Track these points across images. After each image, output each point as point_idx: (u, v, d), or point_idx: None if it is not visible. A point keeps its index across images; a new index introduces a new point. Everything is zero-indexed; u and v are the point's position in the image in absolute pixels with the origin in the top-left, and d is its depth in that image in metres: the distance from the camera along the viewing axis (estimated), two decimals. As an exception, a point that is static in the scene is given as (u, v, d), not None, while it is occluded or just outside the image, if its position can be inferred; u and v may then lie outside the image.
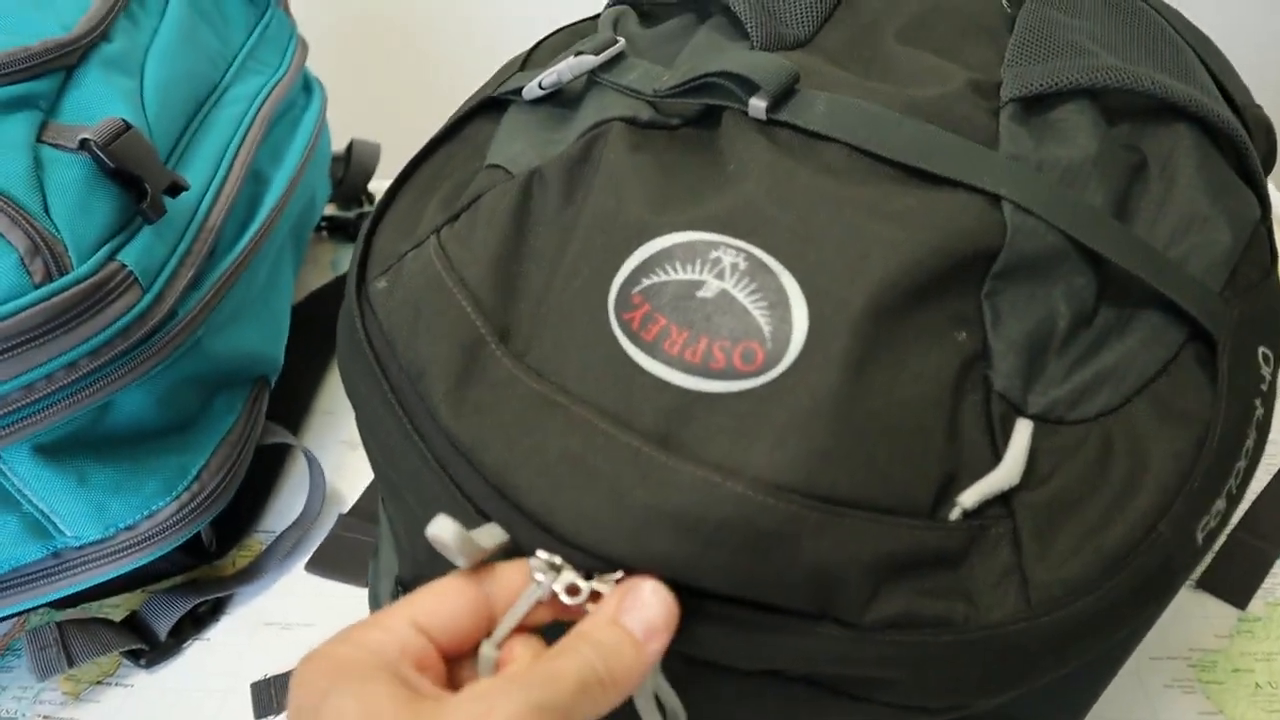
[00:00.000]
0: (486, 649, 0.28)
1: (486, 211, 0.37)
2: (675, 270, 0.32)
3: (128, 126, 0.44)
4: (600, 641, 0.27)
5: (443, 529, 0.28)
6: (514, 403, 0.32)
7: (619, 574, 0.29)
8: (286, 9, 0.68)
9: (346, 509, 0.54)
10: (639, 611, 0.28)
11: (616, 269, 0.33)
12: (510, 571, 0.29)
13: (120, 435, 0.45)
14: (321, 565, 0.51)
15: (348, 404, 0.60)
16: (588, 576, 0.29)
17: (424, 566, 0.39)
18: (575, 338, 0.33)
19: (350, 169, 0.73)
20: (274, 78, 0.61)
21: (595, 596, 0.29)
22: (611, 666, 0.27)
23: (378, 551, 0.47)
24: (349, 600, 0.49)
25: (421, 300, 0.35)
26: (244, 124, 0.56)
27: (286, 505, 0.55)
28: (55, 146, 0.43)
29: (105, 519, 0.44)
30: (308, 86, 0.67)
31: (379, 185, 0.76)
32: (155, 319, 0.43)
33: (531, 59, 0.46)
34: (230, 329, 0.50)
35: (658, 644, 0.28)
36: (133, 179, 0.44)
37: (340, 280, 0.67)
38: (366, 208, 0.75)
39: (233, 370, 0.51)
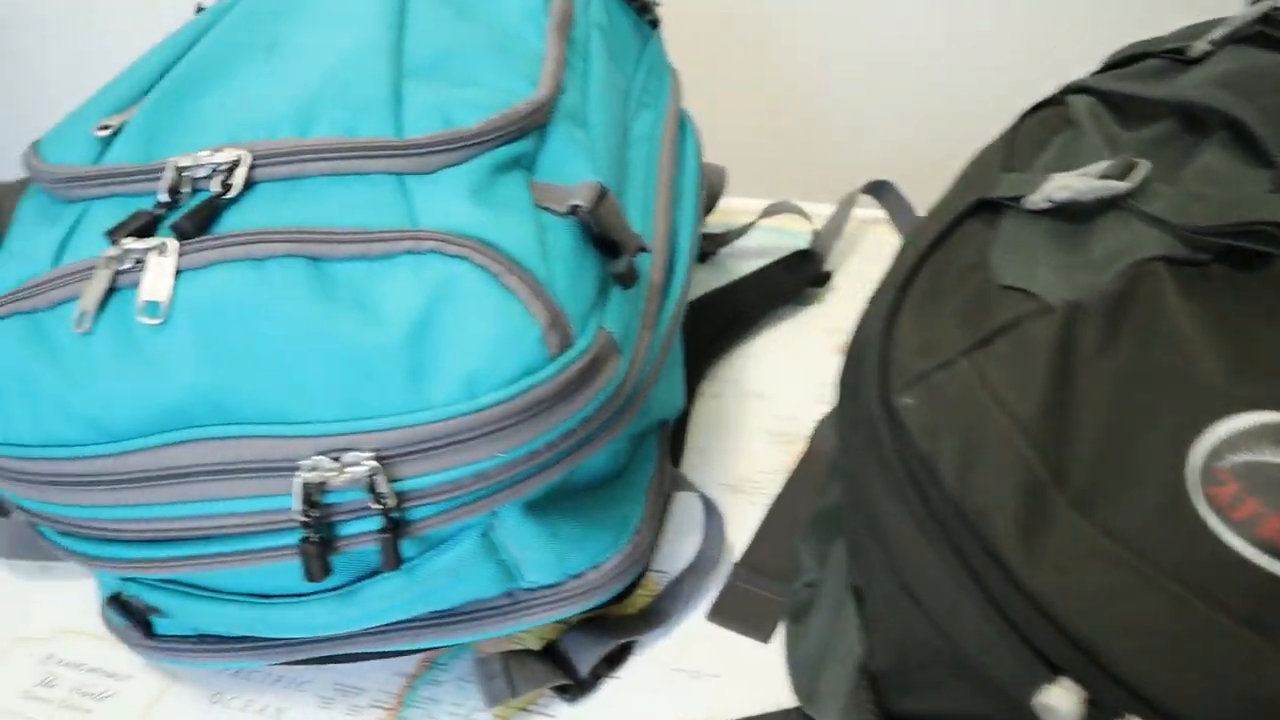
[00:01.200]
0: None
1: (1028, 343, 0.37)
2: (1266, 453, 0.32)
3: (604, 190, 0.46)
4: None
5: (1060, 701, 0.30)
6: (1092, 563, 0.33)
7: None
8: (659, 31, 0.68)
9: (735, 556, 0.56)
10: None
11: (1194, 437, 0.33)
12: None
13: (581, 490, 0.48)
14: (723, 615, 0.53)
15: (722, 442, 0.62)
16: None
17: (910, 666, 0.40)
18: (1149, 503, 0.33)
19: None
20: (662, 112, 0.62)
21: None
22: None
23: (802, 618, 0.48)
24: (753, 653, 0.51)
25: (969, 431, 0.36)
26: (653, 168, 0.57)
27: (671, 545, 0.56)
28: (547, 210, 0.45)
29: (562, 568, 0.47)
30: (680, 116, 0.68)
31: (724, 203, 0.77)
32: (631, 384, 0.45)
33: (1014, 157, 0.46)
34: (661, 382, 0.52)
35: None
36: (611, 244, 0.46)
37: (697, 305, 0.69)
38: (707, 228, 0.76)
39: (653, 420, 0.53)
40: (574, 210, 0.44)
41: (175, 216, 0.43)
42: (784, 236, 0.76)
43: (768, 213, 0.74)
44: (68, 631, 0.55)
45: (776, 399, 0.65)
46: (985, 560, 0.35)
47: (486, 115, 0.45)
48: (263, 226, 0.42)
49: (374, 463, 0.40)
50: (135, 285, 0.42)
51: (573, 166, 0.47)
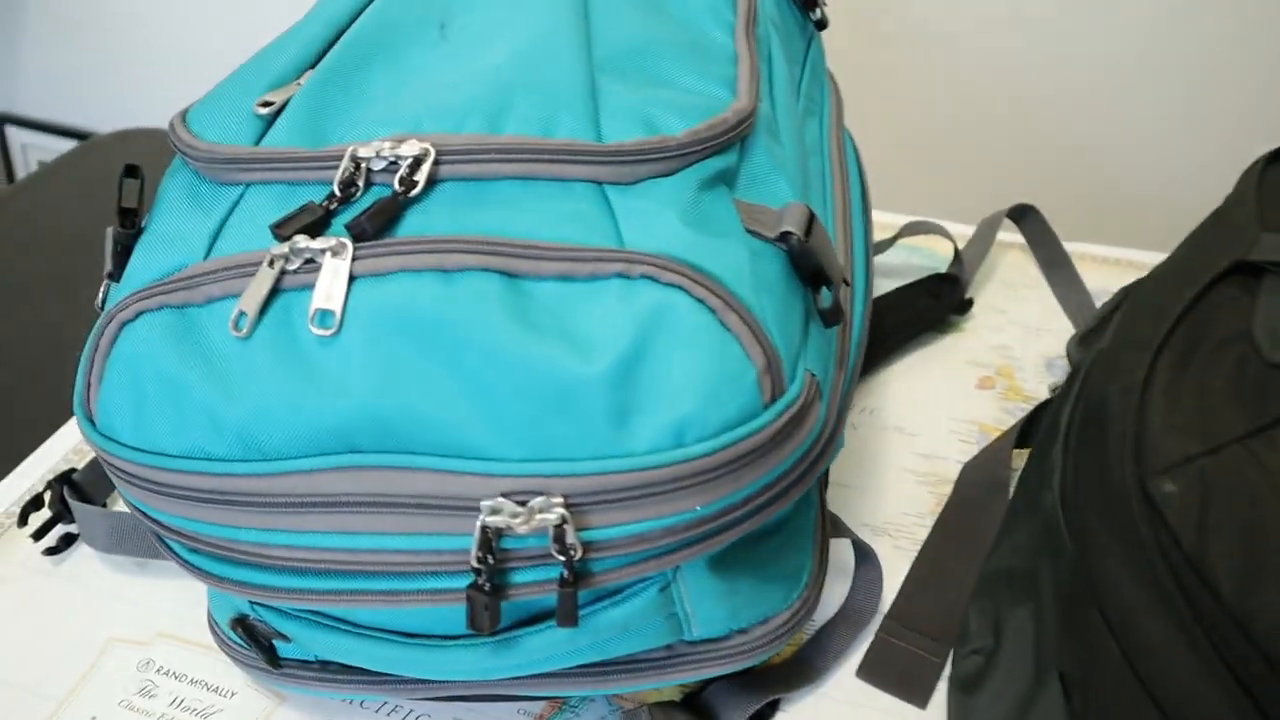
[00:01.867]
0: None
1: (1321, 438, 0.33)
2: None
3: (813, 214, 0.41)
4: None
5: None
6: None
7: None
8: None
9: (884, 606, 0.51)
10: None
11: None
12: None
13: (756, 538, 0.43)
14: (874, 674, 0.49)
15: (863, 479, 0.58)
16: None
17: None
18: None
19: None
20: (826, 121, 0.58)
21: None
22: None
23: (973, 689, 0.44)
24: (908, 718, 0.47)
25: (1251, 533, 0.32)
26: (827, 184, 0.52)
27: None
28: (754, 235, 0.40)
29: (733, 623, 0.43)
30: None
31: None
32: (829, 429, 0.41)
33: (1266, 213, 0.42)
34: (836, 422, 0.48)
35: None
36: (817, 275, 0.41)
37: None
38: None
39: (821, 461, 0.49)
40: (785, 237, 0.40)
41: (348, 214, 0.39)
42: (922, 256, 0.72)
43: (908, 231, 0.70)
44: (168, 637, 0.51)
45: (918, 435, 0.61)
46: (1275, 687, 0.31)
47: (691, 123, 0.41)
48: (450, 233, 0.37)
49: (564, 510, 0.36)
50: (303, 288, 0.37)
51: (773, 185, 0.43)
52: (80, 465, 0.57)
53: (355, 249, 0.37)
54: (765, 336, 0.37)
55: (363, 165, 0.39)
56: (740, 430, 0.36)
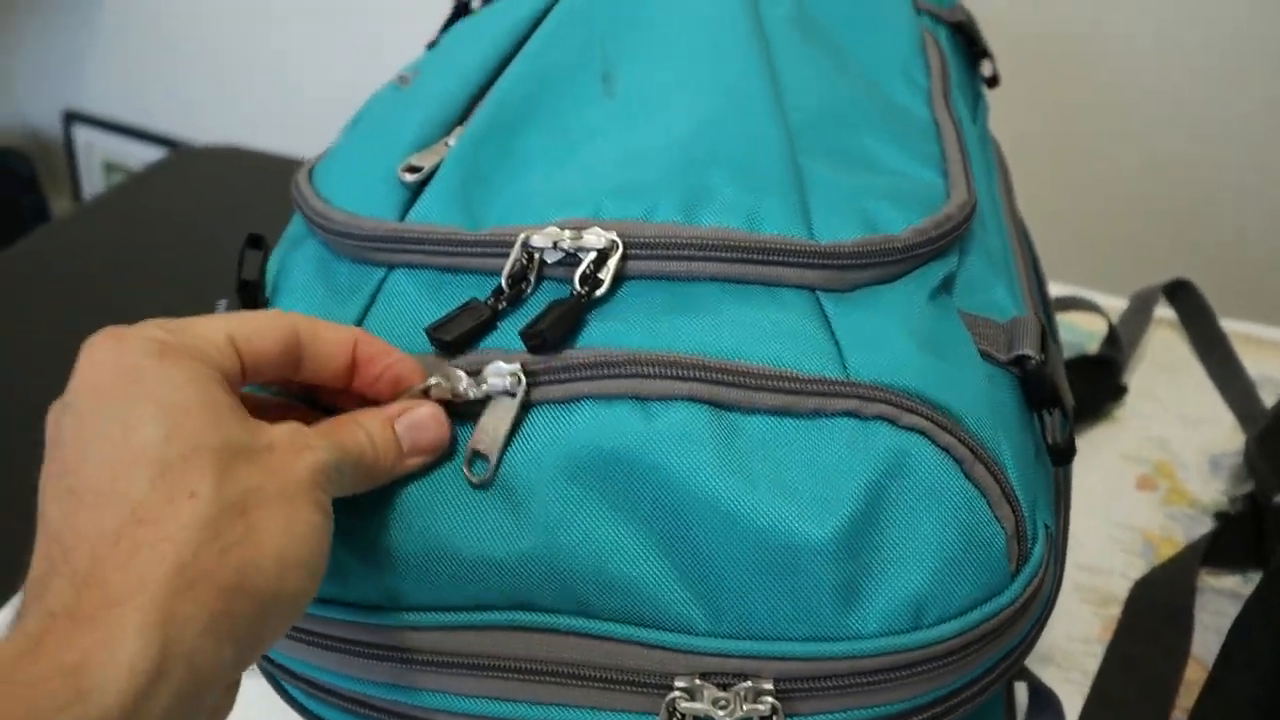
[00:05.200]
0: None
1: None
2: None
3: (1046, 331, 0.35)
4: (373, 434, 0.29)
5: None
6: None
7: None
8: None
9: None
10: (415, 429, 0.29)
11: None
12: (331, 333, 0.29)
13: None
14: None
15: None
16: None
17: None
18: None
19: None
20: (999, 198, 0.51)
21: None
22: (377, 461, 0.29)
23: None
24: None
25: None
26: (1013, 269, 0.46)
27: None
28: (986, 358, 0.34)
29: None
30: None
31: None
32: (1056, 591, 0.35)
33: None
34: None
35: (416, 462, 0.30)
36: (1049, 402, 0.35)
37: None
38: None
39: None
40: (1020, 361, 0.34)
41: (518, 316, 0.32)
42: (1071, 334, 0.65)
43: (1056, 307, 0.63)
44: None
45: (1076, 543, 0.55)
46: None
47: (913, 219, 0.34)
48: (646, 347, 0.31)
49: (774, 700, 0.30)
50: (462, 418, 0.31)
51: (991, 292, 0.37)
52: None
53: (532, 378, 0.31)
54: (1013, 491, 0.31)
55: (536, 256, 0.33)
56: (987, 608, 0.30)
